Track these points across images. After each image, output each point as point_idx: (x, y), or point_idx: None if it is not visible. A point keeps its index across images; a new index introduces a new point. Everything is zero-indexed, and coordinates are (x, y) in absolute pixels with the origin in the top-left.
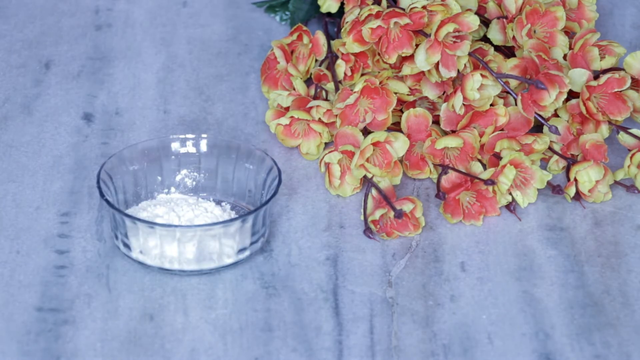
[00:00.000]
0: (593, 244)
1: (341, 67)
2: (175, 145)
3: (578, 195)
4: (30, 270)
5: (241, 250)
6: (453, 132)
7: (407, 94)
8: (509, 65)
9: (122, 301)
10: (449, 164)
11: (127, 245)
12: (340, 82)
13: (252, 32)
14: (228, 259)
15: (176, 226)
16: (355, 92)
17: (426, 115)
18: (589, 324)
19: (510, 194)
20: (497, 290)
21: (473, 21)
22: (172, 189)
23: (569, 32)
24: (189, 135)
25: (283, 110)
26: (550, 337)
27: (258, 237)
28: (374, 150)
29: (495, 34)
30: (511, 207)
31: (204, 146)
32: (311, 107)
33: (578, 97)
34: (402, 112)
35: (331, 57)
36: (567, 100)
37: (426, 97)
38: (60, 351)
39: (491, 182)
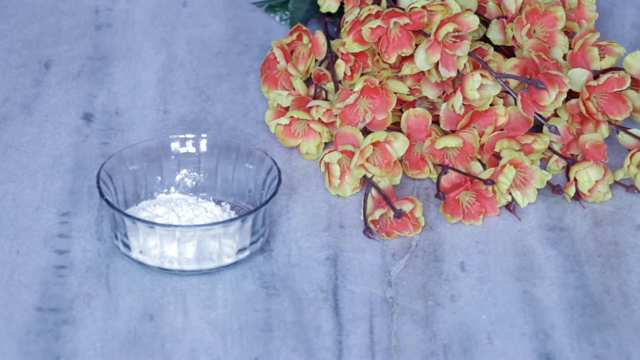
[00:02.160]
0: (593, 244)
1: (341, 67)
2: (175, 145)
3: (578, 195)
4: (30, 270)
5: (241, 250)
6: (453, 132)
7: (407, 94)
8: (508, 65)
9: (122, 301)
10: (449, 164)
11: (127, 245)
12: (340, 82)
13: (252, 32)
14: (228, 259)
15: (176, 226)
16: (355, 92)
17: (426, 115)
18: (589, 324)
19: (510, 193)
20: (497, 290)
21: (473, 21)
22: (172, 189)
23: (568, 32)
24: (189, 135)
25: (283, 110)
26: (550, 337)
27: (258, 237)
28: (373, 150)
29: (495, 34)
30: (511, 207)
31: (203, 146)
32: (311, 107)
33: (578, 97)
34: (402, 112)
35: (331, 57)
36: (566, 100)
37: (426, 97)
38: (60, 351)
39: (491, 182)
